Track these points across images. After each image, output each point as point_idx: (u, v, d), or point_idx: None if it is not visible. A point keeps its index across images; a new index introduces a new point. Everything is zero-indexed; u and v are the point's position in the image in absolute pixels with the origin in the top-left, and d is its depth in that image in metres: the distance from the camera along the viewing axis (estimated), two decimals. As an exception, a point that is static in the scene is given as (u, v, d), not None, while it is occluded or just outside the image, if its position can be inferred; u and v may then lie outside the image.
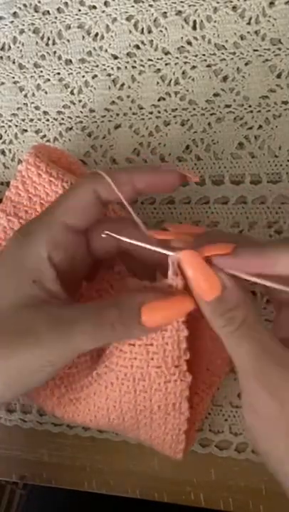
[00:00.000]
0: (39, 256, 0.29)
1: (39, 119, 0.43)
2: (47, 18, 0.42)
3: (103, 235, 0.29)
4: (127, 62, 0.40)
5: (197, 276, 0.26)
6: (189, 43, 0.39)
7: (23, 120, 0.43)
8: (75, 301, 0.34)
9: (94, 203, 0.29)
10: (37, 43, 0.43)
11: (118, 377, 0.30)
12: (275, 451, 0.26)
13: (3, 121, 0.44)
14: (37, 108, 0.43)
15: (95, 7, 0.41)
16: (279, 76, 0.37)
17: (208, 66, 0.39)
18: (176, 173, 0.30)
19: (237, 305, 0.25)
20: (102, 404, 0.32)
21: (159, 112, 0.40)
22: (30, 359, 0.27)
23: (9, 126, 0.44)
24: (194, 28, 0.39)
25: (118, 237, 0.29)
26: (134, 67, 0.40)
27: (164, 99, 0.40)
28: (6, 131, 0.44)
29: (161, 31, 0.39)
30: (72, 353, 0.28)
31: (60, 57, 0.42)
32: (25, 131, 0.43)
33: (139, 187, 0.29)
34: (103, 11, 0.41)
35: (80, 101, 0.42)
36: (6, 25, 0.44)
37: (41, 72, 0.43)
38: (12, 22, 0.43)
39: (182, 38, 0.39)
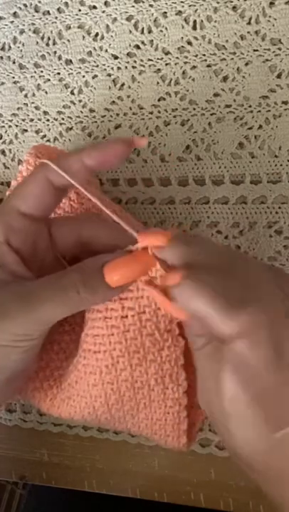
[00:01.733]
0: None
1: (39, 119, 0.43)
2: (47, 18, 0.42)
3: None
4: (127, 62, 0.40)
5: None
6: (189, 43, 0.39)
7: (23, 120, 0.43)
8: None
9: (47, 190, 0.29)
10: (37, 43, 0.43)
11: (113, 356, 0.30)
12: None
13: (3, 121, 0.44)
14: (37, 108, 0.43)
15: (95, 7, 0.41)
16: (279, 76, 0.37)
17: (208, 66, 0.39)
18: (121, 140, 0.29)
19: (200, 334, 0.26)
20: (99, 392, 0.32)
21: (159, 112, 0.40)
22: None
23: (9, 126, 0.44)
24: (194, 28, 0.39)
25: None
26: (134, 67, 0.40)
27: (164, 99, 0.40)
28: (6, 131, 0.44)
29: (161, 31, 0.39)
30: (42, 323, 0.28)
31: (60, 57, 0.42)
32: (26, 131, 0.44)
33: (89, 163, 0.29)
34: (103, 11, 0.41)
35: (80, 101, 0.42)
36: (6, 25, 0.44)
37: (41, 72, 0.43)
38: (12, 22, 0.43)
39: (182, 38, 0.39)
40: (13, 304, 0.27)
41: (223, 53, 0.38)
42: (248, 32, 0.38)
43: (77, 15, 0.42)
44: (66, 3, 0.42)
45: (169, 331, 0.30)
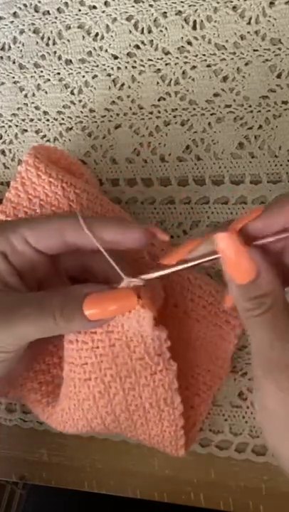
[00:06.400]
0: None
1: (39, 119, 0.43)
2: (47, 18, 0.42)
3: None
4: (127, 62, 0.40)
5: (233, 260, 0.25)
6: (189, 43, 0.39)
7: (23, 120, 0.43)
8: None
9: (58, 240, 0.29)
10: (37, 43, 0.43)
11: (104, 382, 0.30)
12: (284, 450, 0.25)
13: (3, 121, 0.44)
14: (37, 108, 0.43)
15: (95, 7, 0.41)
16: (279, 76, 0.37)
17: (208, 66, 0.39)
18: (143, 229, 0.29)
19: (267, 292, 0.25)
20: (94, 415, 0.32)
21: (159, 112, 0.40)
22: None
23: (9, 126, 0.44)
24: (194, 28, 0.39)
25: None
26: (134, 67, 0.40)
27: (164, 99, 0.40)
28: (6, 131, 0.44)
29: (161, 31, 0.39)
30: (16, 338, 0.28)
31: (60, 57, 0.42)
32: (26, 131, 0.43)
33: (107, 239, 0.29)
34: (103, 11, 0.41)
35: (80, 101, 0.42)
36: (6, 25, 0.44)
37: (41, 72, 0.43)
38: (12, 22, 0.43)
39: (182, 38, 0.39)
40: None
41: (223, 53, 0.38)
42: (248, 32, 0.37)
43: (77, 15, 0.42)
44: (66, 3, 0.42)
45: (160, 354, 0.29)
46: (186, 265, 0.27)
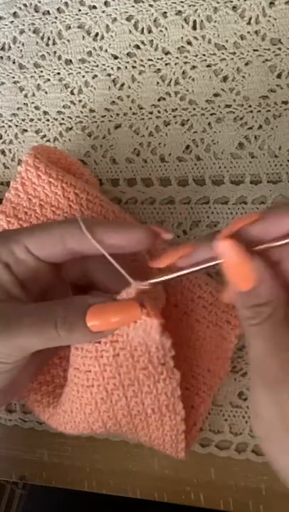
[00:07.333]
0: None
1: (39, 119, 0.43)
2: (47, 18, 0.42)
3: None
4: (127, 62, 0.40)
5: (234, 267, 0.25)
6: (189, 43, 0.39)
7: (23, 120, 0.43)
8: None
9: (58, 247, 0.29)
10: (37, 43, 0.43)
11: (107, 390, 0.30)
12: (283, 462, 0.25)
13: (3, 121, 0.44)
14: (37, 108, 0.43)
15: (95, 7, 0.41)
16: (279, 76, 0.37)
17: (208, 66, 0.39)
18: (145, 229, 0.29)
19: (266, 302, 0.25)
20: (95, 418, 0.32)
21: (159, 112, 0.40)
22: None
23: (9, 126, 0.44)
24: (194, 28, 0.39)
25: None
26: (134, 67, 0.40)
27: (164, 99, 0.40)
28: (6, 131, 0.44)
29: (161, 31, 0.39)
30: (17, 349, 0.27)
31: (60, 57, 0.42)
32: (26, 131, 0.43)
33: (109, 243, 0.28)
34: (103, 11, 0.41)
35: (80, 101, 0.42)
36: (6, 25, 0.44)
37: (41, 72, 0.43)
38: (12, 22, 0.43)
39: (182, 38, 0.39)
40: None
41: (223, 53, 0.38)
42: (248, 32, 0.37)
43: (77, 15, 0.42)
44: (66, 3, 0.42)
45: (164, 364, 0.29)
46: (195, 268, 0.27)
